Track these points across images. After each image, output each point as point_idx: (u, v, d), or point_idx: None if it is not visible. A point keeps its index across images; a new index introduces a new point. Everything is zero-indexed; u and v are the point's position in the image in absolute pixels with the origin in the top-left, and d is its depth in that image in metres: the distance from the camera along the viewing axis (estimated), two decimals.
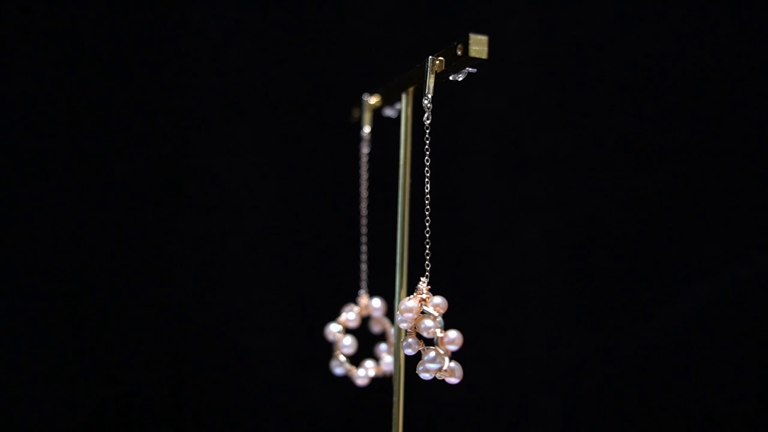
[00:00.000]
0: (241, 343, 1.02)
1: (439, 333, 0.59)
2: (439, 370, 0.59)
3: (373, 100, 0.74)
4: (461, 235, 1.03)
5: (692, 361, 0.98)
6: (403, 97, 0.68)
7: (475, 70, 0.60)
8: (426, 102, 0.61)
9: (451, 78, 0.60)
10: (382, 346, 0.76)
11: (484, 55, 0.57)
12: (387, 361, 0.75)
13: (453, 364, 0.59)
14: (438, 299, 0.61)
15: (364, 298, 0.76)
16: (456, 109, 1.02)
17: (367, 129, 0.75)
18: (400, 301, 0.66)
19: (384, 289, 0.75)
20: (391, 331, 0.75)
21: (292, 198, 1.04)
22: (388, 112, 0.74)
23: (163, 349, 1.01)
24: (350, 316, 0.74)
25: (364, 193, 0.76)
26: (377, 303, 0.75)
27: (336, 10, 1.02)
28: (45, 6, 0.99)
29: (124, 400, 1.01)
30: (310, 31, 1.03)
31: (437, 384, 0.87)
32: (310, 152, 1.03)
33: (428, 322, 0.59)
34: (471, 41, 0.57)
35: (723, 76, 0.97)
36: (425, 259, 0.62)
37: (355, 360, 0.75)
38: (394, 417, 0.67)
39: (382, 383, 0.80)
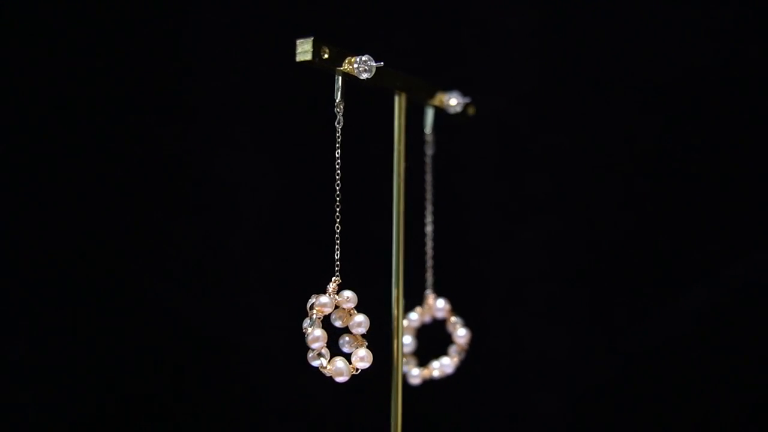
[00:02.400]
0: (241, 343, 1.02)
1: (309, 331, 0.60)
2: (320, 367, 0.60)
3: (437, 100, 0.74)
4: (461, 235, 1.03)
5: (692, 361, 0.98)
6: (396, 99, 0.68)
7: (381, 64, 0.61)
8: (336, 109, 0.64)
9: (361, 78, 0.62)
10: (454, 348, 0.76)
11: (308, 57, 0.59)
12: (444, 362, 0.75)
13: (339, 363, 0.60)
14: (323, 299, 0.61)
15: (430, 299, 0.75)
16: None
17: (428, 130, 0.74)
18: (396, 301, 0.66)
19: (381, 289, 0.75)
20: (458, 332, 0.75)
21: (293, 198, 1.04)
22: (454, 108, 0.74)
23: (163, 349, 1.02)
24: (413, 316, 0.74)
25: (429, 196, 0.75)
26: (440, 303, 0.75)
27: (336, 9, 1.02)
28: (45, 5, 0.99)
29: (123, 400, 1.01)
30: (310, 30, 1.03)
31: (437, 384, 0.87)
32: (310, 152, 1.03)
33: (306, 321, 0.60)
34: (297, 46, 0.60)
35: (723, 76, 0.97)
36: (335, 260, 0.64)
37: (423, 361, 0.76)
38: (392, 417, 0.68)
39: (382, 383, 0.80)
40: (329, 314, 0.62)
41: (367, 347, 0.62)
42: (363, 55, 0.61)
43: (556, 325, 1.01)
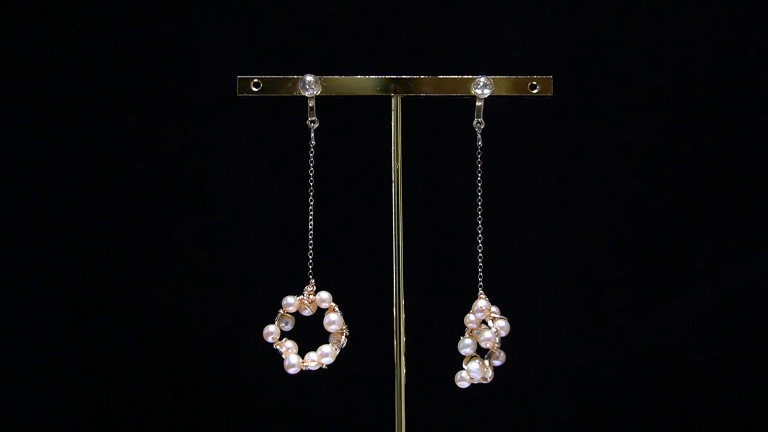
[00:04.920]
0: (241, 343, 1.02)
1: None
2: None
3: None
4: (460, 235, 1.03)
5: (692, 361, 0.98)
6: (392, 100, 0.68)
7: (315, 78, 0.69)
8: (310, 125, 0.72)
9: (307, 96, 0.71)
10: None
11: (239, 93, 0.71)
12: (472, 367, 0.71)
13: (292, 357, 0.69)
14: (289, 299, 0.71)
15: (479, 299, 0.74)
16: (455, 108, 1.02)
17: (476, 120, 0.71)
18: (396, 302, 0.66)
19: (381, 289, 0.75)
20: (481, 335, 0.72)
21: (293, 198, 1.04)
22: (485, 91, 0.71)
23: (163, 349, 1.01)
24: (471, 317, 0.73)
25: (479, 192, 0.73)
26: (481, 303, 0.73)
27: (336, 9, 1.02)
28: (45, 5, 0.99)
29: (123, 400, 1.01)
30: (310, 30, 1.03)
31: (437, 384, 0.87)
32: (310, 152, 1.03)
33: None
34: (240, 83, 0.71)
35: (723, 76, 0.97)
36: (309, 262, 0.71)
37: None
38: (396, 418, 0.68)
39: (383, 383, 0.80)
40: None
41: (334, 344, 0.69)
42: (305, 75, 0.69)
43: (556, 325, 1.01)
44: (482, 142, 0.71)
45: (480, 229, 0.72)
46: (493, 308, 0.73)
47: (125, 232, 1.01)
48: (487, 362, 0.70)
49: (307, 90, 0.69)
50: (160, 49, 1.01)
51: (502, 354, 0.71)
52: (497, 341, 0.71)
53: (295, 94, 0.70)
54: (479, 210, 0.72)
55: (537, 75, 0.71)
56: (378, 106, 0.75)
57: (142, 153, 1.01)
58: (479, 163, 0.70)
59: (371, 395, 1.01)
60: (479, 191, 0.72)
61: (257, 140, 1.03)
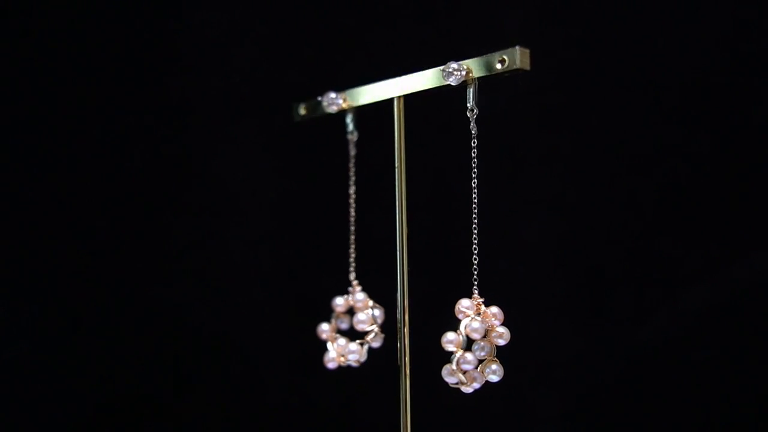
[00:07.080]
0: (241, 343, 1.02)
1: None
2: None
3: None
4: (460, 235, 1.03)
5: (692, 361, 0.98)
6: (395, 101, 0.69)
7: (336, 95, 0.72)
8: (349, 136, 0.74)
9: (333, 112, 0.73)
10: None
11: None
12: (442, 373, 0.67)
13: (330, 352, 0.72)
14: (338, 299, 0.74)
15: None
16: (455, 108, 1.02)
17: (469, 105, 0.69)
18: (400, 304, 0.66)
19: (383, 290, 0.75)
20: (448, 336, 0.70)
21: (293, 198, 1.04)
22: (458, 75, 0.68)
23: (163, 349, 1.01)
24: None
25: (475, 186, 0.71)
26: (465, 302, 0.71)
27: (336, 8, 1.02)
28: (46, 5, 0.98)
29: (123, 400, 1.01)
30: (310, 31, 1.03)
31: (436, 384, 0.87)
32: (310, 152, 1.03)
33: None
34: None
35: (723, 76, 0.97)
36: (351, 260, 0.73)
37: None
38: (401, 419, 0.68)
39: (382, 382, 0.80)
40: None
41: (361, 343, 0.71)
42: (327, 93, 0.72)
43: (556, 325, 1.02)
44: (476, 130, 0.69)
45: (475, 228, 0.72)
46: (493, 308, 0.71)
47: (125, 231, 1.01)
48: (454, 366, 0.65)
49: (330, 106, 0.72)
50: (161, 49, 1.01)
51: (469, 356, 0.66)
52: (462, 344, 0.66)
53: (321, 113, 0.73)
54: (474, 208, 0.71)
55: (524, 70, 0.65)
56: (379, 106, 0.76)
57: (142, 153, 1.01)
58: (474, 151, 0.69)
59: (370, 395, 1.01)
60: (474, 182, 0.70)
61: (257, 141, 1.03)
